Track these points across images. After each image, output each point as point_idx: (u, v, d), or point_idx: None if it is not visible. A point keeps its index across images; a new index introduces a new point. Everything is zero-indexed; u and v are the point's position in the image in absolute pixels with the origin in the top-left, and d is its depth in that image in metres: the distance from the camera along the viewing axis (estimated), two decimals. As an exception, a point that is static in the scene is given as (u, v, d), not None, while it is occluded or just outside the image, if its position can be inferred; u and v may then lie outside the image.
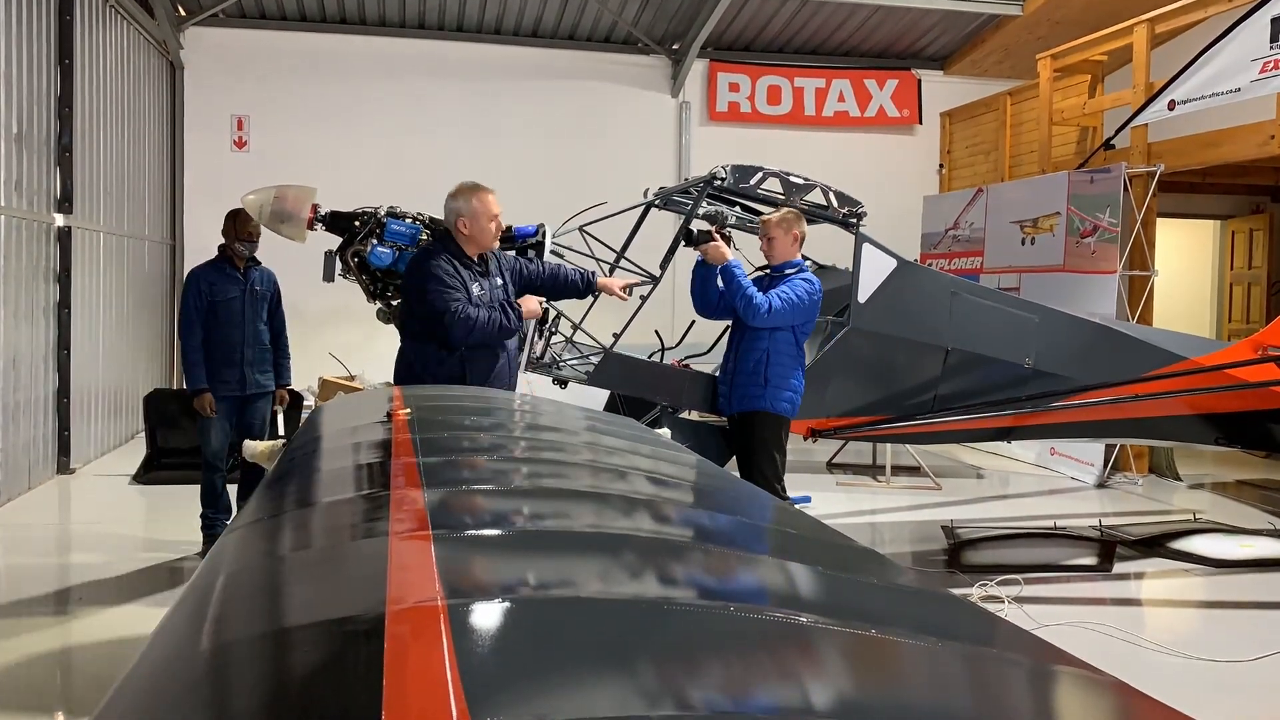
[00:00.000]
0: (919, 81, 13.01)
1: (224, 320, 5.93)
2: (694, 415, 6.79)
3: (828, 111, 12.86)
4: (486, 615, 1.02)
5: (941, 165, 12.91)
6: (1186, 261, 12.42)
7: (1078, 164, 9.63)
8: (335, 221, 5.31)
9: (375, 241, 5.21)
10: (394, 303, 5.32)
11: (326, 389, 9.11)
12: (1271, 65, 7.39)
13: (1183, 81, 8.17)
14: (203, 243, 11.23)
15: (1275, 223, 11.89)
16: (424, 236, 5.26)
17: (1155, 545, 6.54)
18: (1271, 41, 7.40)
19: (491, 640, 0.98)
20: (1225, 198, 11.97)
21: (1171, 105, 8.33)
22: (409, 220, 5.27)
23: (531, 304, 4.75)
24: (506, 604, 1.06)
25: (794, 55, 12.90)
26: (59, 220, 8.17)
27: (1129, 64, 9.37)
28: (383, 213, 5.27)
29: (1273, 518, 7.40)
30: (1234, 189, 11.46)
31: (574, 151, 12.02)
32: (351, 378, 9.90)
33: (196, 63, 11.45)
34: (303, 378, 9.78)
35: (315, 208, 5.31)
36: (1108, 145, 9.36)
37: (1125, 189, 8.62)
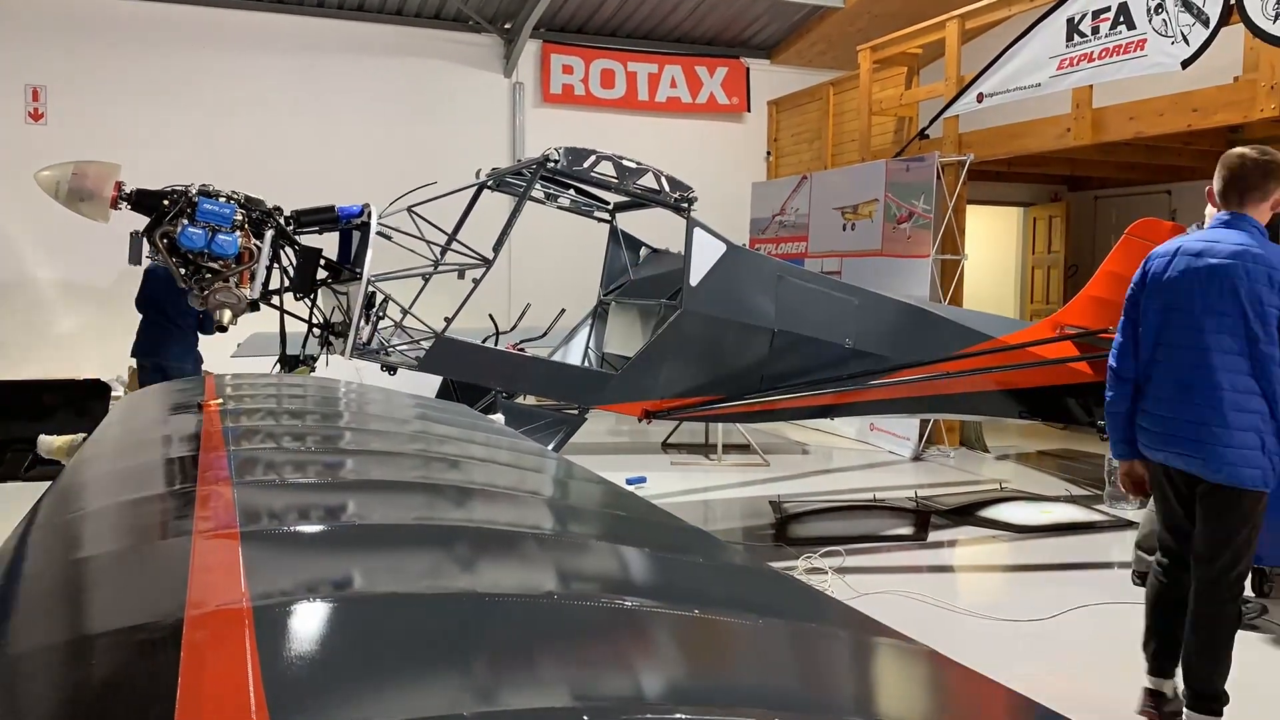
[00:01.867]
0: (747, 70, 13.28)
1: None
2: (529, 400, 6.74)
3: (660, 97, 12.97)
4: (296, 617, 0.97)
5: (769, 152, 13.25)
6: (993, 246, 13.19)
7: (895, 153, 10.07)
8: (142, 200, 4.98)
9: (186, 222, 4.91)
10: (208, 289, 5.05)
11: (136, 378, 8.58)
12: (1067, 63, 7.91)
13: (990, 75, 8.65)
14: (-7, 221, 10.39)
15: (1071, 210, 12.78)
16: (239, 217, 5.00)
17: (966, 514, 6.96)
18: (1067, 41, 7.92)
19: (300, 643, 0.93)
20: (1028, 186, 12.76)
21: (980, 98, 8.81)
22: (223, 199, 5.00)
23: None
24: (318, 604, 1.01)
25: (626, 39, 12.94)
26: None
27: (942, 57, 9.84)
28: (194, 191, 4.98)
29: (1069, 485, 7.98)
30: (1035, 178, 12.22)
31: (404, 130, 11.70)
32: (165, 366, 9.35)
33: (-17, 26, 10.50)
34: (111, 366, 9.21)
35: (119, 185, 4.97)
36: (922, 135, 9.81)
37: (938, 177, 9.06)
